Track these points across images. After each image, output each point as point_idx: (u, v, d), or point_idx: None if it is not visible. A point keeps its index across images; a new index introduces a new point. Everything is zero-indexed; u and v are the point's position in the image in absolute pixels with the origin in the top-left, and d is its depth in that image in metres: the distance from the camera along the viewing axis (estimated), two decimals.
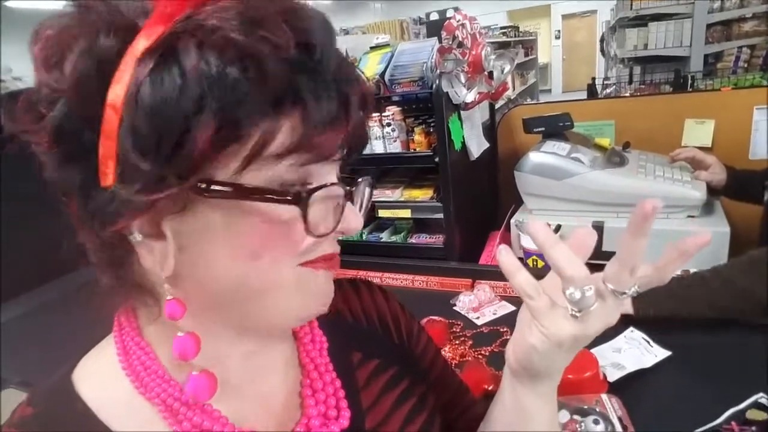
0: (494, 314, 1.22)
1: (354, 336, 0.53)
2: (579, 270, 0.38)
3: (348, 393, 0.48)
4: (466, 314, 1.24)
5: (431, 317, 1.19)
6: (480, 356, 1.06)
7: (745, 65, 3.78)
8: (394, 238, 1.67)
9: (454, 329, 1.18)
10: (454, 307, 1.28)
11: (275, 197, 0.34)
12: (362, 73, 0.40)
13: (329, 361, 0.49)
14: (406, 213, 1.57)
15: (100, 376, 0.41)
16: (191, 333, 0.37)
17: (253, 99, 0.31)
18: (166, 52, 0.30)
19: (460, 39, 1.34)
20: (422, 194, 1.57)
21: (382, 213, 1.61)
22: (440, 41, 1.41)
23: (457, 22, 1.35)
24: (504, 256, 0.42)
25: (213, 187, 0.32)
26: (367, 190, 0.44)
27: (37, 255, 1.58)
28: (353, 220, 0.39)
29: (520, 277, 0.41)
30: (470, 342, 1.12)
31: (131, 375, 0.40)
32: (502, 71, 1.50)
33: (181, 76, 0.30)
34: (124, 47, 0.31)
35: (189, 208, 0.34)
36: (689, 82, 3.31)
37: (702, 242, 0.36)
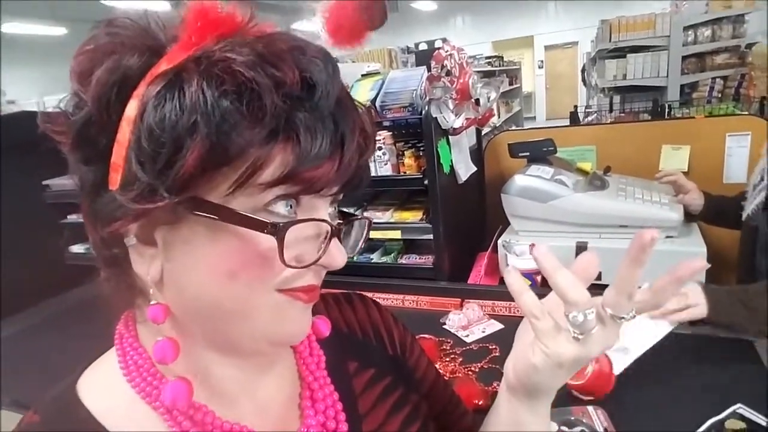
0: (483, 332, 1.25)
1: (350, 346, 0.55)
2: (582, 295, 0.39)
3: (345, 401, 0.49)
4: (455, 332, 1.26)
5: (421, 335, 1.21)
6: (470, 372, 1.08)
7: (719, 95, 3.95)
8: (384, 259, 1.69)
9: (444, 347, 1.20)
10: (444, 326, 1.30)
11: (253, 225, 0.35)
12: (367, 112, 0.41)
13: (327, 374, 0.50)
14: (396, 234, 1.59)
15: (103, 385, 0.42)
16: (170, 338, 0.39)
17: (244, 129, 0.33)
18: (174, 77, 0.33)
19: (449, 68, 1.41)
20: (412, 216, 1.60)
21: (373, 234, 1.64)
22: (429, 70, 1.47)
23: (446, 52, 1.42)
24: (511, 277, 0.42)
25: (199, 205, 0.35)
26: (365, 229, 0.45)
27: (29, 277, 1.59)
28: (336, 256, 0.39)
29: (527, 298, 0.41)
30: (460, 359, 1.14)
31: (132, 381, 0.41)
32: (488, 98, 1.56)
33: (180, 101, 0.32)
34: (148, 68, 0.35)
35: (179, 221, 0.36)
36: (666, 110, 3.44)
37: (697, 268, 0.37)
